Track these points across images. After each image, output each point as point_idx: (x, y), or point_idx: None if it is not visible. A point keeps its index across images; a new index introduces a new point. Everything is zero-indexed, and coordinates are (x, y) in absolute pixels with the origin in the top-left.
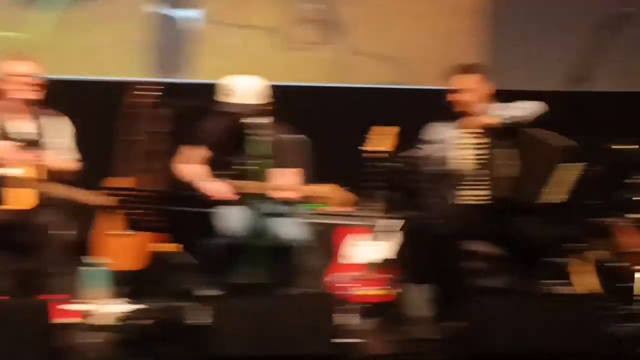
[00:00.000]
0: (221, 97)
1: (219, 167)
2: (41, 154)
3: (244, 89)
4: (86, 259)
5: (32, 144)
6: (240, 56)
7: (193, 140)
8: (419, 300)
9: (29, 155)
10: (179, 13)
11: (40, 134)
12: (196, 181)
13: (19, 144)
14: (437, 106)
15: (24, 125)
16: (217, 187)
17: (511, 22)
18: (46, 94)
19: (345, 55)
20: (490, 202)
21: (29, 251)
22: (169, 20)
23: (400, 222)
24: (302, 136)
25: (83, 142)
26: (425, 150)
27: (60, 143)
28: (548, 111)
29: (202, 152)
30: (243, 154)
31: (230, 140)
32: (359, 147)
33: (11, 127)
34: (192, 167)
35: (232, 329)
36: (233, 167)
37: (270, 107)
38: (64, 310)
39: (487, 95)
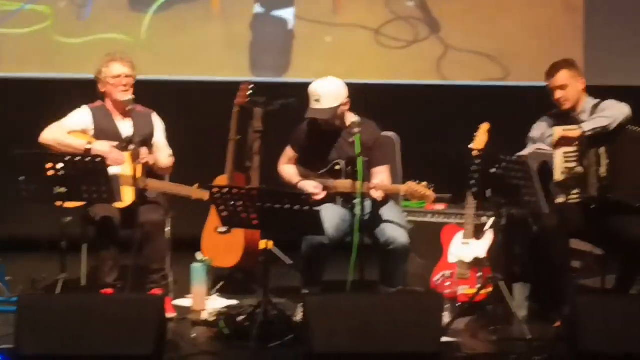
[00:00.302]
0: (310, 103)
1: (313, 167)
2: (141, 152)
3: (322, 93)
4: (195, 255)
5: (131, 142)
6: (337, 55)
7: (292, 140)
8: (518, 299)
9: (129, 153)
10: (278, 12)
11: (138, 133)
12: (293, 180)
13: (120, 143)
14: (536, 103)
15: (124, 125)
16: (312, 187)
17: (607, 17)
18: (144, 94)
19: (443, 52)
20: (590, 200)
21: (136, 247)
22: (268, 19)
23: (500, 220)
24: (393, 134)
25: (182, 141)
26: (529, 147)
27: (156, 140)
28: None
29: (296, 152)
30: (336, 153)
31: (322, 140)
32: (466, 145)
33: (113, 126)
34: (289, 166)
35: (332, 326)
36: (328, 166)
37: (348, 105)
38: (172, 305)
39: (583, 91)
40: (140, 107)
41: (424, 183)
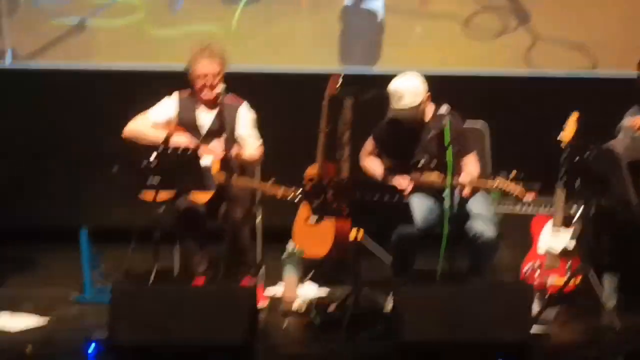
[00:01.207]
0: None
1: (397, 161)
2: (227, 144)
3: (404, 91)
4: (286, 245)
5: (218, 134)
6: (427, 46)
7: (375, 133)
8: (607, 289)
9: (215, 145)
10: (367, 3)
11: (225, 125)
12: (378, 173)
13: (206, 135)
14: (625, 94)
15: (206, 116)
16: (399, 180)
17: None
18: (233, 85)
19: (531, 42)
20: None
21: (226, 239)
22: (357, 11)
23: (589, 210)
24: (482, 122)
25: (272, 132)
26: (620, 137)
27: (244, 131)
28: None
29: (376, 146)
30: (420, 147)
31: (405, 135)
32: (555, 134)
33: (192, 117)
34: (373, 159)
35: (422, 316)
36: (412, 161)
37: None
38: (263, 294)
39: None
40: (231, 98)
41: (514, 172)
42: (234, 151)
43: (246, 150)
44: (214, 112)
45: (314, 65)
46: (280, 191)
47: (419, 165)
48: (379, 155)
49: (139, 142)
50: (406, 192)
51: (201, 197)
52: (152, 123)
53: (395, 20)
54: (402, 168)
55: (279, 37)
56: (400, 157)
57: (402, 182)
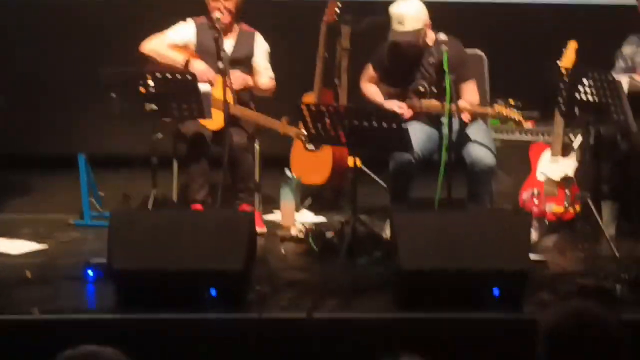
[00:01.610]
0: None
1: (396, 86)
2: (240, 74)
3: (406, 15)
4: (284, 173)
5: (237, 62)
6: None
7: (374, 59)
8: (606, 217)
9: (239, 76)
10: None
11: (234, 53)
12: (377, 99)
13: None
14: (624, 23)
15: (226, 43)
16: (397, 106)
17: None
18: (244, 13)
19: None
20: None
21: (225, 166)
22: None
23: (588, 138)
24: (480, 51)
25: (274, 59)
26: (618, 66)
27: (261, 61)
28: None
29: (376, 72)
30: (419, 73)
31: (405, 61)
32: (554, 63)
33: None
34: (372, 85)
35: (420, 243)
36: (413, 85)
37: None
38: (261, 220)
39: None
40: (245, 26)
41: (511, 101)
42: (243, 82)
43: (262, 80)
44: (230, 39)
45: None
46: (293, 131)
47: (420, 91)
48: (377, 82)
49: (157, 61)
50: (405, 117)
51: (209, 123)
52: (169, 44)
53: None
54: (401, 94)
55: None
56: (399, 83)
57: (400, 108)
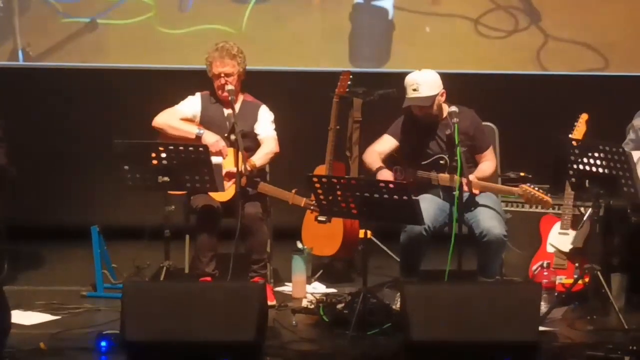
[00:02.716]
0: (407, 93)
1: (413, 159)
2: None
3: (420, 81)
4: (295, 244)
5: (232, 132)
6: (437, 45)
7: (389, 131)
8: (615, 289)
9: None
10: (377, 2)
11: (243, 123)
12: (373, 167)
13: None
14: (635, 94)
15: (229, 116)
16: (385, 175)
17: None
18: (250, 84)
19: (543, 42)
20: None
21: (237, 238)
22: (368, 10)
23: (598, 210)
24: (491, 124)
25: (282, 130)
26: (629, 138)
27: (258, 132)
28: None
29: (398, 141)
30: (436, 145)
31: (421, 133)
32: (564, 135)
33: (220, 114)
34: (375, 152)
35: (430, 315)
36: (430, 159)
37: (444, 96)
38: (273, 292)
39: None
40: (249, 97)
41: (522, 174)
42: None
43: (265, 148)
44: (232, 111)
45: (324, 65)
46: (303, 202)
47: (437, 165)
48: (397, 152)
49: (168, 134)
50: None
51: (218, 195)
52: (180, 116)
53: (405, 19)
54: (416, 165)
55: (289, 37)
56: (415, 156)
57: (387, 176)
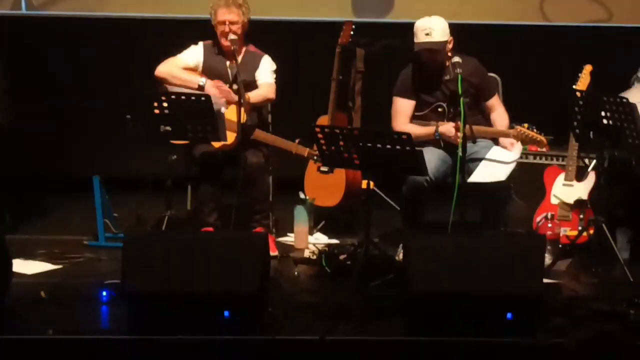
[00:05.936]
0: (415, 38)
1: (417, 107)
2: (246, 93)
3: (433, 26)
4: (297, 194)
5: (235, 82)
6: None
7: (397, 92)
8: (620, 241)
9: (234, 94)
10: None
11: (245, 74)
12: (425, 131)
13: (228, 83)
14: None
15: (232, 65)
16: (446, 128)
17: None
18: (252, 35)
19: None
20: None
21: (239, 188)
22: None
23: (602, 162)
24: (495, 75)
25: (284, 81)
26: (634, 88)
27: (257, 77)
28: None
29: (411, 104)
30: (441, 93)
31: (427, 80)
32: (570, 87)
33: (222, 66)
34: (409, 125)
35: (433, 266)
36: (430, 107)
37: (452, 45)
38: (275, 243)
39: None
40: (253, 48)
41: (525, 125)
42: (233, 96)
43: (260, 90)
44: (235, 60)
45: (327, 15)
46: (306, 152)
47: (436, 112)
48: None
49: (171, 83)
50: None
51: (219, 144)
52: (183, 66)
53: None
54: (421, 113)
55: None
56: (419, 103)
57: (449, 129)
